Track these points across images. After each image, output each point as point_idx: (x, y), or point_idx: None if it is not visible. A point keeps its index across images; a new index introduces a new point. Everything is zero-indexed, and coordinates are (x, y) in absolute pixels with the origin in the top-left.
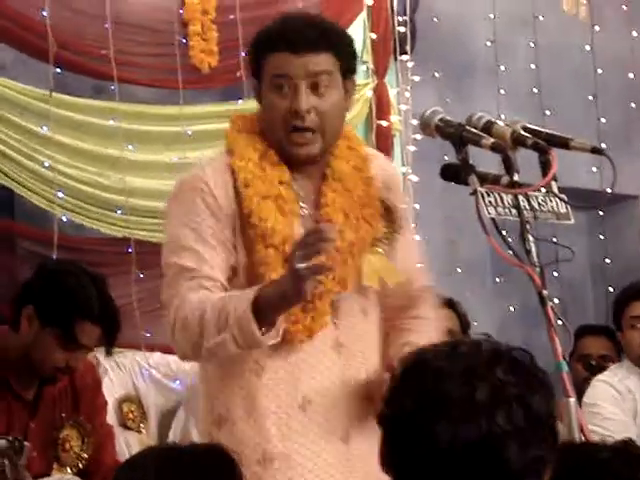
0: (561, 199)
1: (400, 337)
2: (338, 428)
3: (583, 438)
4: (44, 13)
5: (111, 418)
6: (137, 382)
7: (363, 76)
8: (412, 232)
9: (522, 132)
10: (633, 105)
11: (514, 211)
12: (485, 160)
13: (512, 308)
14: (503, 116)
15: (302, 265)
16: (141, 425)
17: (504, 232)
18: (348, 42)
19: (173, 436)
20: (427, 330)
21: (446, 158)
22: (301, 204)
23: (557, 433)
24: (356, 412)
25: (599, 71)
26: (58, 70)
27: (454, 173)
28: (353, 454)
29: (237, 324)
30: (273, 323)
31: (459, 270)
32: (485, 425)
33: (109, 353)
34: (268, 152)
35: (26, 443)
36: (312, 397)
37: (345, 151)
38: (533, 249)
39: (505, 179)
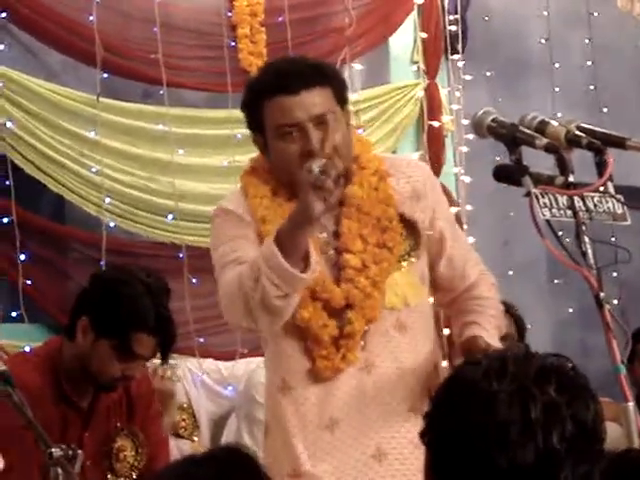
0: (617, 200)
1: (462, 318)
2: (369, 446)
3: None
4: (91, 18)
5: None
6: (189, 389)
7: (414, 76)
8: (456, 226)
9: (577, 132)
10: None
11: (569, 212)
12: (540, 160)
13: (569, 310)
14: (559, 114)
15: (310, 176)
16: (194, 433)
17: (559, 233)
18: (337, 73)
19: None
20: (487, 308)
21: (499, 159)
22: (319, 235)
23: (604, 442)
24: (390, 428)
25: None
26: (105, 75)
27: (507, 174)
28: (387, 471)
29: (266, 264)
30: (306, 258)
31: (514, 272)
32: (542, 447)
33: (164, 363)
34: (279, 189)
35: (79, 451)
36: (340, 418)
37: (357, 173)
38: (589, 251)
39: (560, 180)
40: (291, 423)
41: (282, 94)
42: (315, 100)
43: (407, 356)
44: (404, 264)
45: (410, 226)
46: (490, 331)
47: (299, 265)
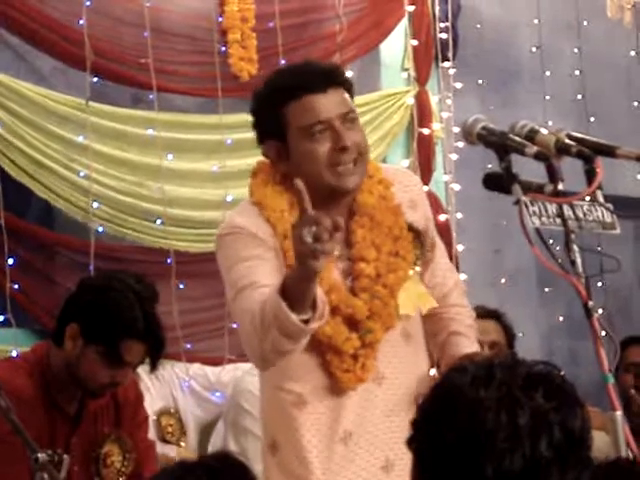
0: (607, 208)
1: (445, 326)
2: (379, 458)
3: (630, 452)
4: (82, 22)
5: (150, 432)
6: (176, 394)
7: (404, 83)
8: (437, 235)
9: (566, 140)
10: None
11: (559, 220)
12: (530, 168)
13: (558, 319)
14: (551, 122)
15: (304, 248)
16: (181, 438)
17: (549, 242)
18: (347, 76)
19: (212, 450)
20: (465, 317)
21: (489, 166)
22: None
23: (591, 449)
24: (397, 439)
25: None
26: (95, 79)
27: (497, 182)
28: None
29: (274, 315)
30: (314, 306)
31: (504, 280)
32: (529, 454)
33: (154, 369)
34: (294, 200)
35: (65, 456)
36: (353, 430)
37: (366, 181)
38: (578, 259)
39: (549, 188)
40: (306, 438)
41: (309, 93)
42: (341, 99)
43: (412, 365)
44: (415, 273)
45: (416, 235)
46: (475, 343)
47: (308, 309)
